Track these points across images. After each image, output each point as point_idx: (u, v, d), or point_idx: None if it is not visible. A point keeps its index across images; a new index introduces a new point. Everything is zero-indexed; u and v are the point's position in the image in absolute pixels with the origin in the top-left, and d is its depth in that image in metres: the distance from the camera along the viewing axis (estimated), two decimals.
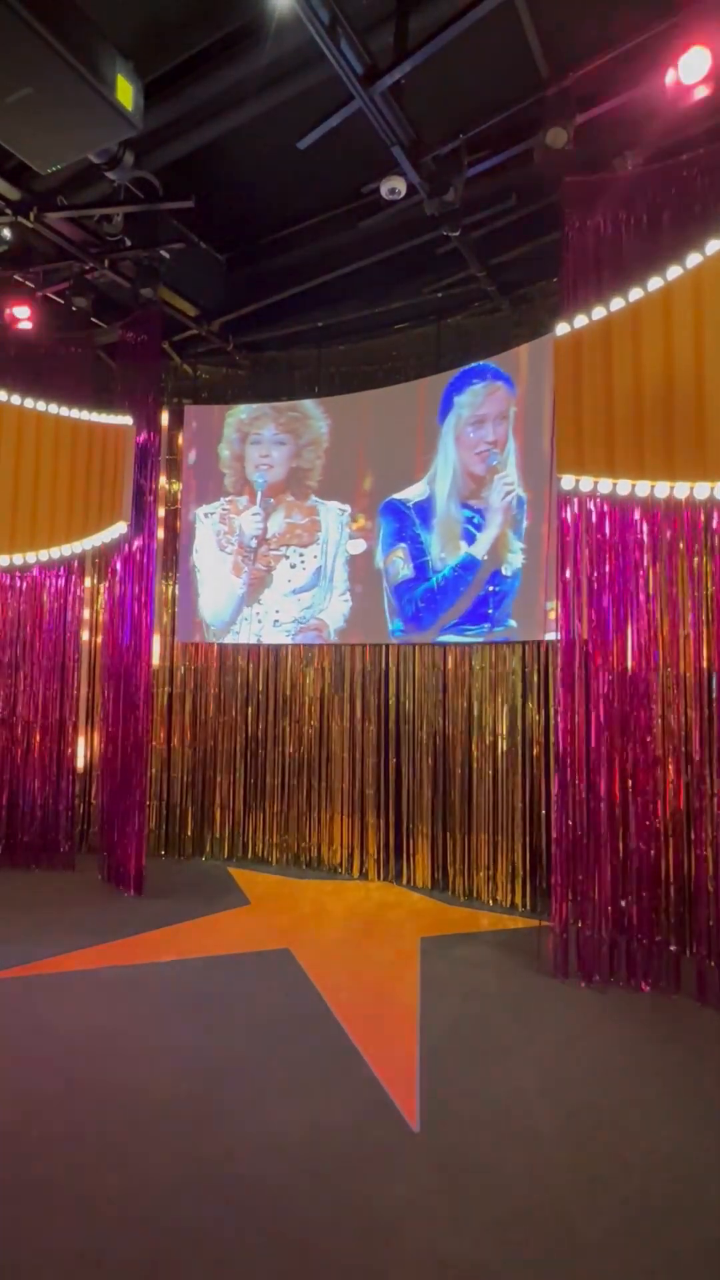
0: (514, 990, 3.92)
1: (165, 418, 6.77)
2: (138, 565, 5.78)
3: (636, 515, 4.11)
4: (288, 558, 6.50)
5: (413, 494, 5.96)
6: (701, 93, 3.52)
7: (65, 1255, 2.11)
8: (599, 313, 4.13)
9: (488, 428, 5.56)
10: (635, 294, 4.03)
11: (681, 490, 3.90)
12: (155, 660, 6.55)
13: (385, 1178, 2.46)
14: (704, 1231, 2.25)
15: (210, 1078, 3.04)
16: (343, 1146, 2.62)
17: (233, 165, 4.73)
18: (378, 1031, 3.43)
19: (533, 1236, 2.22)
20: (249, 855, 6.52)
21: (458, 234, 4.76)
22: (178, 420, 6.91)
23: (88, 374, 6.08)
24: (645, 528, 4.10)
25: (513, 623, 5.37)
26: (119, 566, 5.92)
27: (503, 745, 5.50)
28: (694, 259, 3.88)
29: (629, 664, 4.07)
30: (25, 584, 6.19)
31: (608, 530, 4.17)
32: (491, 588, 5.49)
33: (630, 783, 4.03)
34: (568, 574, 4.23)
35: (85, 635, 6.54)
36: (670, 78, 3.52)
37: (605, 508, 4.17)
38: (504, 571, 5.44)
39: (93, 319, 5.96)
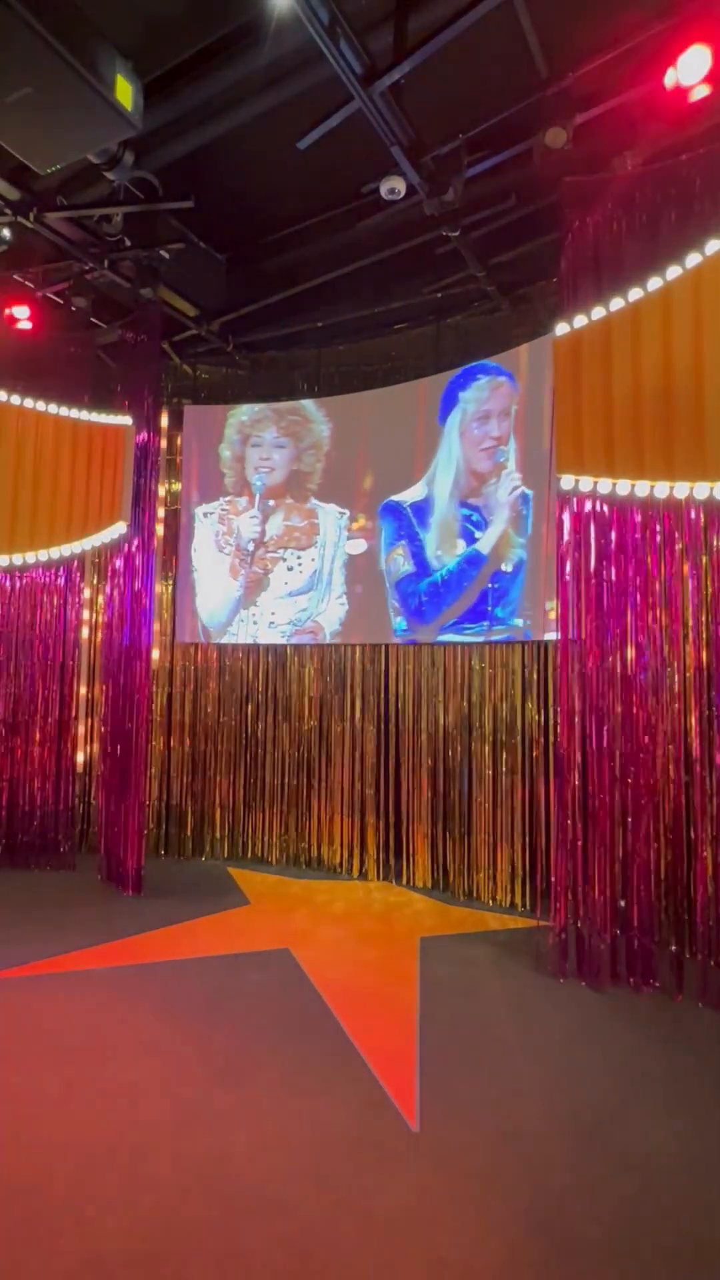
0: (514, 990, 3.92)
1: (165, 418, 6.77)
2: (137, 565, 5.77)
3: (636, 515, 4.11)
4: (285, 560, 6.50)
5: (410, 495, 5.96)
6: (701, 92, 3.52)
7: (66, 1256, 2.11)
8: (598, 313, 4.13)
9: (493, 423, 5.55)
10: (635, 294, 4.03)
11: (681, 490, 3.90)
12: (155, 660, 6.55)
13: (385, 1178, 2.46)
14: (704, 1232, 2.25)
15: (210, 1078, 3.04)
16: (343, 1147, 2.62)
17: (232, 165, 4.73)
18: (378, 1031, 3.43)
19: (533, 1236, 2.22)
20: (249, 855, 6.52)
21: (457, 234, 4.77)
22: (177, 420, 6.91)
23: (88, 374, 6.08)
24: (645, 528, 4.10)
25: (519, 621, 5.37)
26: (118, 566, 5.92)
27: (502, 745, 5.50)
28: (693, 259, 3.88)
29: (628, 664, 4.07)
30: (25, 584, 6.19)
31: (607, 530, 4.17)
32: (492, 585, 5.49)
33: (630, 782, 4.03)
34: (567, 574, 4.23)
35: (85, 635, 6.54)
36: (670, 78, 3.52)
37: (605, 508, 4.17)
38: (504, 569, 5.45)
39: (92, 319, 5.96)
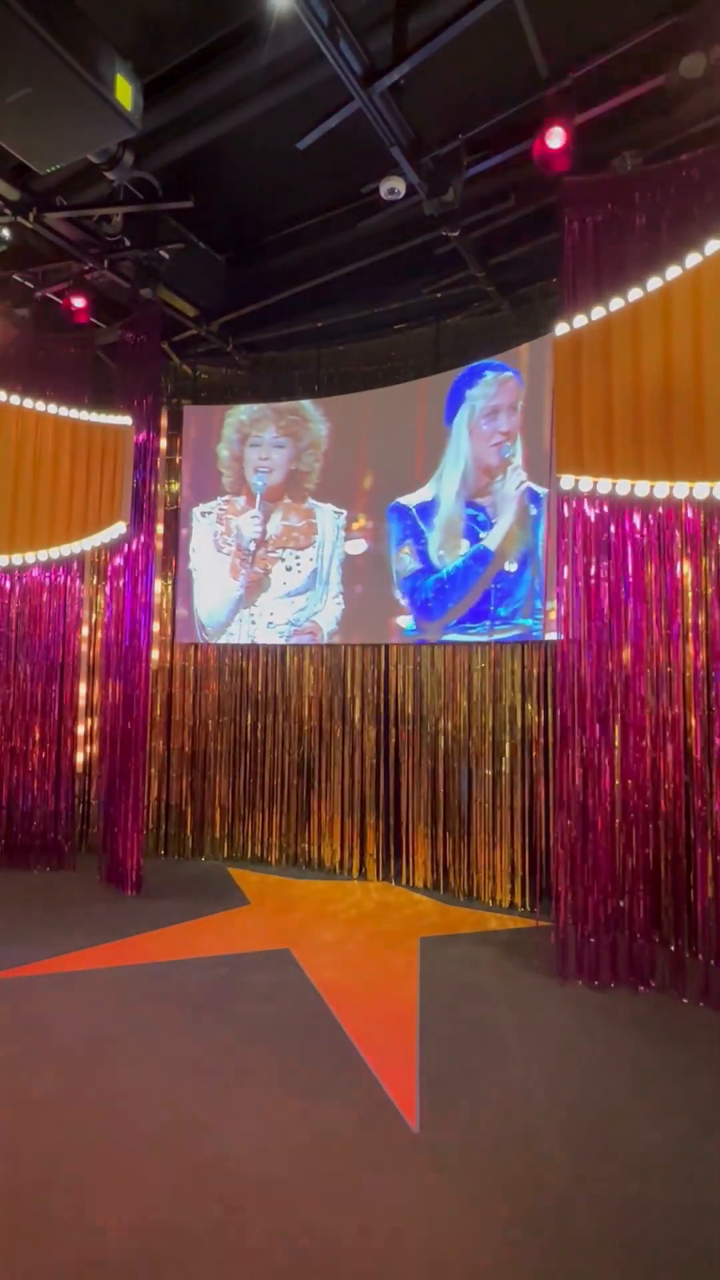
0: (514, 990, 3.92)
1: (164, 418, 6.77)
2: (137, 565, 5.77)
3: (636, 515, 4.11)
4: (283, 560, 6.50)
5: (416, 497, 5.95)
6: (700, 93, 3.52)
7: (66, 1256, 2.11)
8: (598, 313, 4.13)
9: (501, 418, 5.55)
10: (635, 294, 4.03)
11: (681, 490, 3.90)
12: (154, 660, 6.55)
13: (385, 1178, 2.46)
14: (704, 1232, 2.25)
15: (210, 1078, 3.04)
16: (343, 1147, 2.62)
17: (232, 165, 4.73)
18: (378, 1031, 3.43)
19: (533, 1236, 2.22)
20: (248, 855, 6.52)
21: (457, 234, 4.77)
22: (177, 420, 6.91)
23: (87, 374, 6.08)
24: (645, 528, 4.10)
25: (526, 621, 5.35)
26: (118, 566, 5.92)
27: (502, 745, 5.50)
28: (693, 259, 3.88)
29: (628, 664, 4.07)
30: (25, 584, 6.18)
31: (607, 530, 4.17)
32: (495, 585, 5.48)
33: (629, 783, 4.03)
34: (566, 574, 4.23)
35: (84, 635, 6.54)
36: (670, 77, 3.52)
37: (605, 508, 4.17)
38: (508, 568, 5.44)
39: (92, 319, 5.96)
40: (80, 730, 6.54)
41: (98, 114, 3.20)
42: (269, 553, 6.57)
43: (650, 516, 4.09)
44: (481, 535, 5.59)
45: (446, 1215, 2.30)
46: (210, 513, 6.75)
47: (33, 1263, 2.08)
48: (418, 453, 6.05)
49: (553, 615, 5.04)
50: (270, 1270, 2.08)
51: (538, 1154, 2.59)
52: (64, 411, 5.88)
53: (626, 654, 4.08)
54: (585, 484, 4.15)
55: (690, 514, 3.99)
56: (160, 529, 6.66)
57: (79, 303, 5.51)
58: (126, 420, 5.91)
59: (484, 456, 5.63)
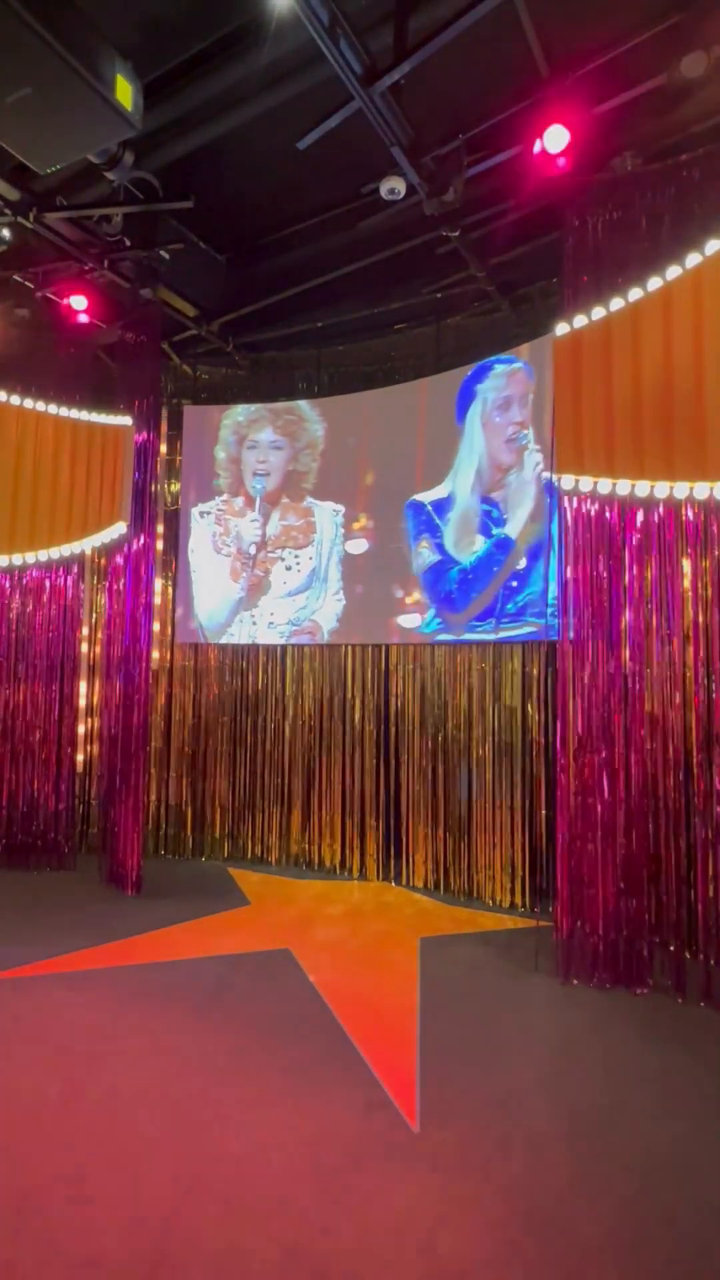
0: (514, 990, 3.92)
1: (165, 418, 6.77)
2: (137, 565, 5.77)
3: (636, 515, 4.10)
4: (283, 559, 6.51)
5: (431, 494, 5.93)
6: (701, 92, 3.52)
7: (65, 1257, 2.11)
8: (599, 313, 4.14)
9: (514, 409, 5.52)
10: (635, 294, 4.03)
11: (681, 490, 3.90)
12: (155, 660, 6.55)
13: (385, 1178, 2.46)
14: (704, 1232, 2.25)
15: (210, 1078, 3.04)
16: (343, 1147, 2.62)
17: (232, 165, 4.73)
18: (378, 1031, 3.43)
19: (532, 1236, 2.22)
20: (248, 855, 6.52)
21: (457, 234, 4.76)
22: (177, 420, 6.91)
23: (87, 374, 6.08)
24: (645, 527, 4.09)
25: (539, 620, 5.31)
26: (118, 566, 5.92)
27: (502, 745, 5.50)
28: (694, 259, 3.88)
29: (628, 664, 4.07)
30: (25, 584, 6.18)
31: (607, 530, 4.17)
32: (514, 583, 5.45)
33: (630, 783, 4.03)
34: (567, 574, 4.23)
35: (85, 635, 6.54)
36: (670, 77, 3.52)
37: (605, 508, 4.17)
38: (519, 566, 5.42)
39: (92, 319, 5.96)
40: (80, 730, 6.54)
41: (98, 114, 3.20)
42: (269, 554, 6.57)
43: (650, 516, 4.08)
44: (494, 531, 5.56)
45: (446, 1215, 2.30)
46: (209, 513, 6.75)
47: (33, 1263, 2.08)
48: (418, 453, 6.05)
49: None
50: (270, 1270, 2.08)
51: (538, 1154, 2.59)
52: (64, 411, 5.89)
53: (626, 654, 4.08)
54: (585, 484, 4.16)
55: (690, 514, 3.99)
56: (160, 529, 6.67)
57: (79, 303, 5.51)
58: (126, 420, 5.91)
59: (498, 450, 5.60)
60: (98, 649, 6.54)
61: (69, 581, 6.21)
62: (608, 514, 4.17)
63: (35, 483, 5.81)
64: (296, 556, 6.47)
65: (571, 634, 4.19)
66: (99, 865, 5.80)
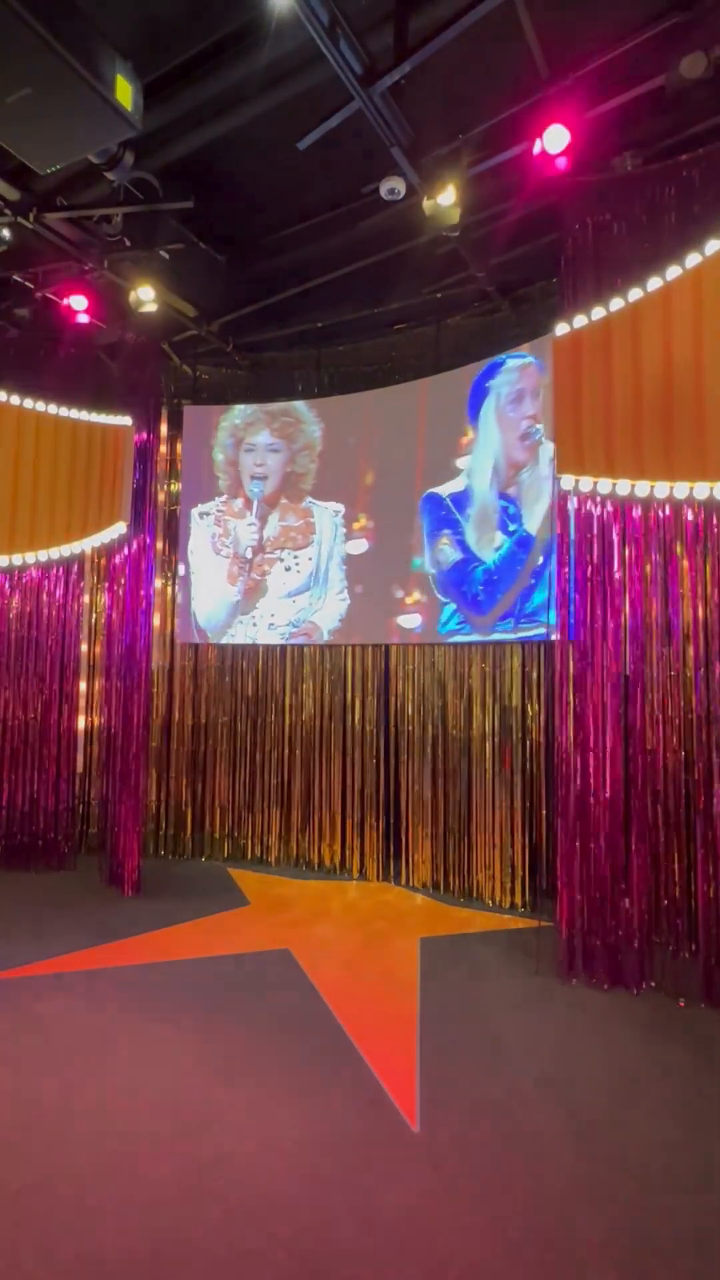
0: (514, 990, 3.92)
1: (164, 418, 6.77)
2: (137, 565, 5.78)
3: (636, 515, 4.11)
4: (282, 560, 6.50)
5: (449, 488, 5.90)
6: (700, 92, 3.52)
7: (65, 1257, 2.11)
8: (598, 313, 4.14)
9: (526, 402, 5.48)
10: (635, 294, 4.03)
11: (681, 490, 3.90)
12: (155, 660, 6.55)
13: (385, 1178, 2.46)
14: (704, 1233, 2.25)
15: (210, 1078, 3.04)
16: (343, 1147, 2.62)
17: (232, 166, 4.72)
18: (378, 1031, 3.43)
19: (533, 1236, 2.22)
20: (248, 856, 6.52)
21: (457, 234, 4.76)
22: (177, 421, 6.90)
23: (87, 374, 6.08)
24: (645, 528, 4.09)
25: (552, 620, 5.25)
26: (118, 566, 5.92)
27: (502, 745, 5.50)
28: (694, 259, 3.88)
29: (628, 664, 4.07)
30: (25, 584, 6.18)
31: (607, 530, 4.17)
32: (532, 580, 5.41)
33: (630, 782, 4.03)
34: (566, 573, 4.23)
35: (84, 635, 6.54)
36: (669, 78, 3.52)
37: (605, 508, 4.17)
38: (538, 563, 5.37)
39: (92, 319, 5.95)
40: (80, 731, 6.54)
41: (98, 114, 3.20)
42: (267, 556, 6.56)
43: (650, 516, 4.08)
44: (512, 528, 5.52)
45: (446, 1215, 2.30)
46: (209, 514, 6.75)
47: (33, 1263, 2.08)
48: (418, 453, 6.05)
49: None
50: (270, 1271, 2.08)
51: (538, 1154, 2.59)
52: (64, 411, 5.89)
53: (625, 653, 4.08)
54: (585, 484, 4.16)
55: (690, 514, 3.99)
56: (160, 529, 6.67)
57: (79, 303, 5.50)
58: (126, 420, 5.91)
59: (512, 444, 5.55)
60: (97, 649, 6.53)
61: (69, 582, 6.21)
62: (608, 514, 4.17)
63: (35, 483, 5.81)
64: (296, 557, 6.47)
65: (569, 633, 4.19)
66: (99, 865, 5.80)
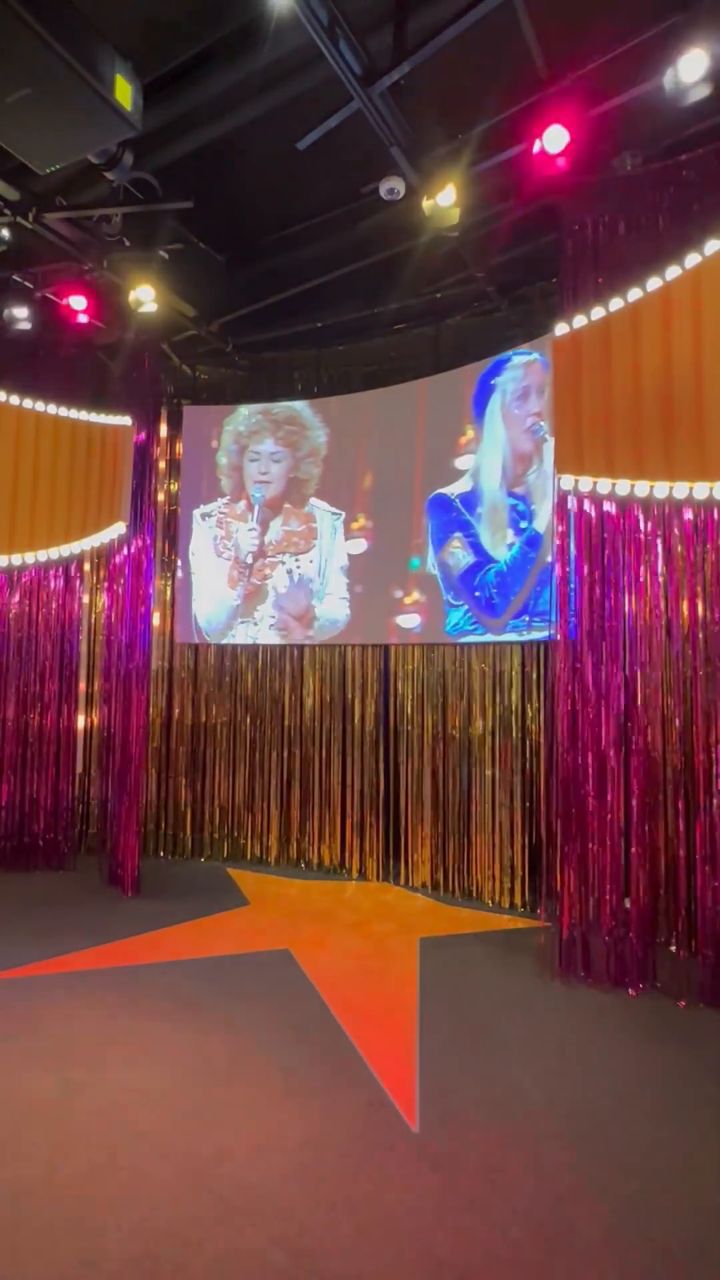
0: (514, 990, 3.92)
1: (164, 418, 6.77)
2: (136, 566, 5.78)
3: (636, 515, 4.11)
4: (284, 563, 6.50)
5: (457, 488, 5.88)
6: (700, 93, 3.52)
7: (64, 1258, 2.11)
8: (598, 313, 4.14)
9: (532, 399, 5.45)
10: (634, 294, 4.03)
11: (681, 490, 3.90)
12: (154, 661, 6.55)
13: (385, 1179, 2.46)
14: (704, 1233, 2.25)
15: (210, 1078, 3.04)
16: (343, 1147, 2.62)
17: (232, 165, 4.72)
18: (377, 1031, 3.43)
19: (533, 1236, 2.22)
20: (248, 856, 6.52)
21: (457, 234, 4.76)
22: (177, 421, 6.90)
23: (87, 374, 6.08)
24: (644, 528, 4.10)
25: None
26: (118, 566, 5.92)
27: (502, 745, 5.50)
28: (693, 259, 3.89)
29: (626, 663, 4.07)
30: (25, 584, 6.18)
31: (606, 530, 4.17)
32: (542, 579, 5.38)
33: (630, 782, 4.03)
34: (566, 573, 4.23)
35: (84, 636, 6.54)
36: (669, 77, 3.52)
37: (604, 508, 4.17)
38: (547, 561, 5.35)
39: (92, 319, 5.95)
40: (80, 731, 6.54)
41: (98, 114, 3.20)
42: (268, 561, 6.56)
43: (650, 516, 4.08)
44: (523, 525, 5.50)
45: (446, 1215, 2.30)
46: (210, 515, 6.75)
47: (33, 1263, 2.08)
48: (418, 453, 6.04)
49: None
50: (269, 1271, 2.08)
51: (538, 1154, 2.59)
52: (64, 411, 5.89)
53: (625, 653, 4.08)
54: (585, 484, 4.16)
55: (690, 514, 3.99)
56: (160, 529, 6.67)
57: (79, 303, 5.50)
58: (126, 420, 5.91)
59: (519, 441, 5.53)
60: (97, 649, 6.53)
61: (68, 582, 6.21)
62: (607, 514, 4.17)
63: (35, 483, 5.81)
64: (298, 561, 6.47)
65: (569, 633, 4.19)
66: (98, 866, 5.80)
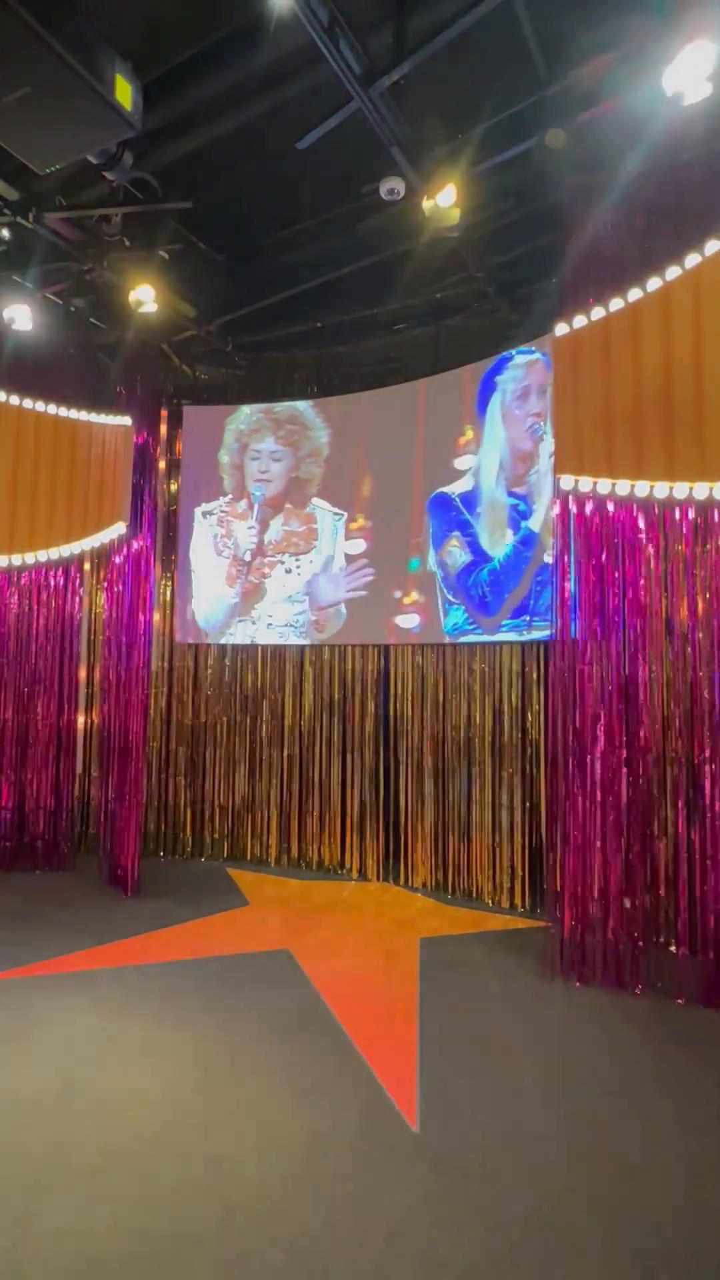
0: (514, 991, 3.92)
1: (164, 418, 6.77)
2: (136, 566, 5.78)
3: (636, 516, 4.11)
4: (283, 563, 6.50)
5: (458, 487, 5.88)
6: (701, 92, 3.52)
7: (65, 1258, 2.11)
8: (598, 313, 4.14)
9: (533, 399, 5.46)
10: (634, 294, 4.03)
11: (681, 490, 3.90)
12: (154, 661, 6.54)
13: (385, 1179, 2.46)
14: (704, 1233, 2.25)
15: (210, 1078, 3.04)
16: (343, 1147, 2.62)
17: (232, 165, 4.72)
18: (377, 1032, 3.43)
19: (533, 1237, 2.22)
20: (248, 856, 6.52)
21: (457, 234, 4.76)
22: (177, 421, 6.90)
23: (87, 374, 6.08)
24: (644, 528, 4.09)
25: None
26: (118, 566, 5.92)
27: (502, 745, 5.50)
28: (693, 259, 3.88)
29: (626, 663, 4.07)
30: (25, 584, 6.18)
31: (606, 530, 4.17)
32: (536, 578, 5.39)
33: (630, 783, 4.02)
34: (565, 573, 4.23)
35: (84, 636, 6.54)
36: (669, 77, 3.51)
37: (604, 508, 4.17)
38: (548, 560, 5.35)
39: (91, 319, 5.96)
40: (79, 731, 6.54)
41: (97, 114, 3.20)
42: (266, 559, 6.56)
43: (650, 517, 4.08)
44: (523, 525, 5.51)
45: (446, 1215, 2.30)
46: (212, 513, 6.75)
47: (34, 1264, 2.08)
48: (418, 453, 6.04)
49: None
50: (269, 1271, 2.08)
51: (538, 1154, 2.59)
52: (64, 411, 5.88)
53: (624, 653, 4.07)
54: (585, 484, 4.16)
55: (690, 514, 3.99)
56: (160, 529, 6.66)
57: (80, 302, 5.50)
58: (126, 420, 5.91)
59: (519, 441, 5.54)
60: (97, 649, 6.53)
61: (68, 582, 6.21)
62: (607, 514, 4.16)
63: (35, 483, 5.81)
64: (297, 561, 6.47)
65: (568, 633, 4.19)
66: (98, 866, 5.80)
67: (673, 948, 3.95)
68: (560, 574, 4.27)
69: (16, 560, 5.89)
